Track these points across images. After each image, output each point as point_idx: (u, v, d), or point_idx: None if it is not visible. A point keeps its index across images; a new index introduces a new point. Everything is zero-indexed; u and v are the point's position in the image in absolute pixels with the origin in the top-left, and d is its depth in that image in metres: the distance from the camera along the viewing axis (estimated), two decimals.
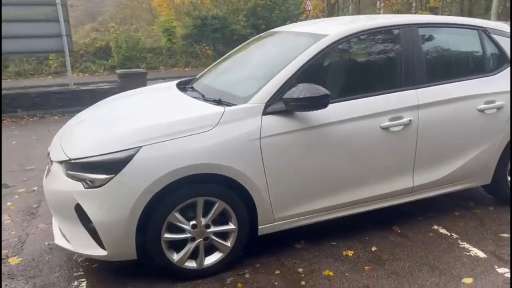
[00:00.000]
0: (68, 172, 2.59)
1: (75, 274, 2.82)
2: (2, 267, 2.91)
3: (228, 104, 2.77)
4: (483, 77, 3.26)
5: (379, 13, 22.52)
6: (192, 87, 3.43)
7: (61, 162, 2.66)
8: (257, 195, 2.71)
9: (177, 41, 17.68)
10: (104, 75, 15.57)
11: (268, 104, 2.72)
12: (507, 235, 3.15)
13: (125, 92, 4.01)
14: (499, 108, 3.24)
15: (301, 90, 2.60)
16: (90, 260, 2.95)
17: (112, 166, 2.47)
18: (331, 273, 2.75)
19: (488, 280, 2.64)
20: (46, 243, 3.21)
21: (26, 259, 2.99)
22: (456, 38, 3.37)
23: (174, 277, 2.72)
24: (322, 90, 2.59)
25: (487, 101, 3.20)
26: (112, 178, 2.46)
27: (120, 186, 2.46)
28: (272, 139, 2.68)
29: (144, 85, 9.16)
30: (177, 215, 2.60)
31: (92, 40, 16.78)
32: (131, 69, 12.35)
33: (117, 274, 2.81)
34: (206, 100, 2.97)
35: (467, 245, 3.04)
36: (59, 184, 2.63)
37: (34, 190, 4.25)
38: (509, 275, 2.67)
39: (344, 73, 3.08)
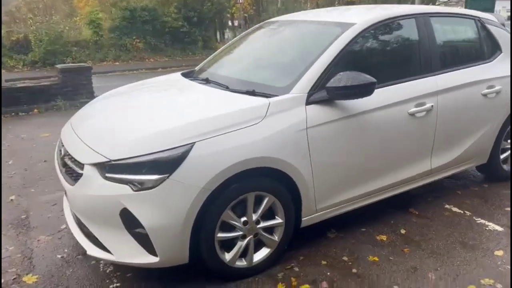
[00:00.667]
0: (108, 175, 2.33)
1: (110, 287, 2.55)
2: None
3: (267, 95, 2.67)
4: (482, 63, 3.52)
5: (305, 8, 23.15)
6: (207, 79, 3.24)
7: (95, 164, 2.38)
8: (303, 186, 2.66)
9: (104, 34, 16.71)
10: (25, 71, 14.25)
11: (310, 93, 2.67)
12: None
13: (130, 85, 3.68)
14: (497, 93, 3.51)
15: (347, 78, 2.58)
16: (121, 268, 2.69)
17: (166, 165, 2.27)
18: (376, 259, 2.79)
19: None
20: (59, 255, 2.86)
21: (44, 276, 2.65)
22: (458, 27, 3.59)
23: (226, 278, 2.58)
24: (369, 78, 2.60)
25: (489, 86, 3.45)
26: (167, 178, 2.25)
27: (175, 186, 2.26)
28: (317, 129, 2.64)
29: (90, 81, 8.56)
30: (230, 212, 2.46)
31: (7, 33, 15.21)
32: (56, 64, 11.30)
33: (155, 281, 2.60)
34: (236, 91, 2.83)
35: (482, 221, 3.26)
36: (97, 188, 2.34)
37: (11, 200, 3.76)
38: None
39: (372, 60, 3.10)
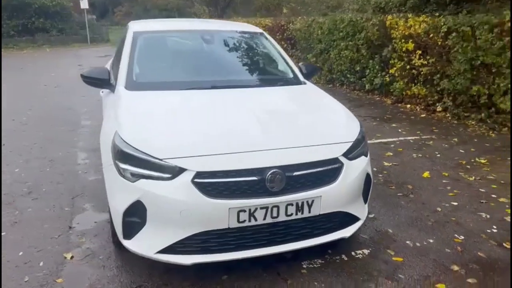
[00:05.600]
0: (350, 155, 2.79)
1: None
2: None
3: (298, 83, 3.70)
4: None
5: None
6: (214, 86, 3.43)
7: (344, 154, 2.75)
8: None
9: None
10: None
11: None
12: None
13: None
14: None
15: (309, 67, 4.05)
16: None
17: (364, 140, 3.03)
18: None
19: None
20: None
21: None
22: None
23: None
24: (316, 66, 4.18)
25: None
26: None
27: None
28: None
29: None
30: None
31: None
32: None
33: None
34: (272, 85, 3.61)
35: None
36: (353, 171, 2.77)
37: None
38: None
39: None
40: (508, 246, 3.14)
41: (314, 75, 4.04)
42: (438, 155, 5.23)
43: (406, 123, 6.81)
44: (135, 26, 4.08)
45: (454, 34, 6.77)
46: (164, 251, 2.50)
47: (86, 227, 3.44)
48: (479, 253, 3.06)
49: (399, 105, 8.11)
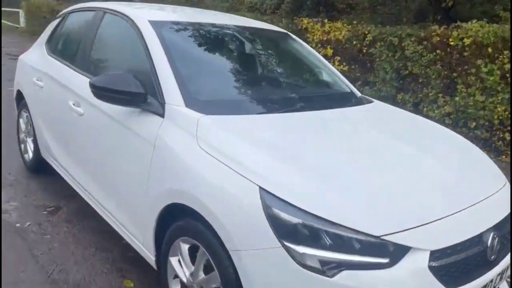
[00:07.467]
0: None
1: None
2: None
3: (363, 100, 3.04)
4: None
5: None
6: (302, 106, 2.52)
7: None
8: None
9: None
10: None
11: None
12: None
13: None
14: None
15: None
16: None
17: None
18: None
19: None
20: None
21: None
22: None
23: None
24: None
25: None
26: None
27: None
28: None
29: None
30: None
31: None
32: None
33: None
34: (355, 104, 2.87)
35: None
36: None
37: None
38: None
39: None
40: None
41: None
42: None
43: None
44: (142, 13, 2.77)
45: (380, 43, 6.97)
46: None
47: None
48: None
49: None
